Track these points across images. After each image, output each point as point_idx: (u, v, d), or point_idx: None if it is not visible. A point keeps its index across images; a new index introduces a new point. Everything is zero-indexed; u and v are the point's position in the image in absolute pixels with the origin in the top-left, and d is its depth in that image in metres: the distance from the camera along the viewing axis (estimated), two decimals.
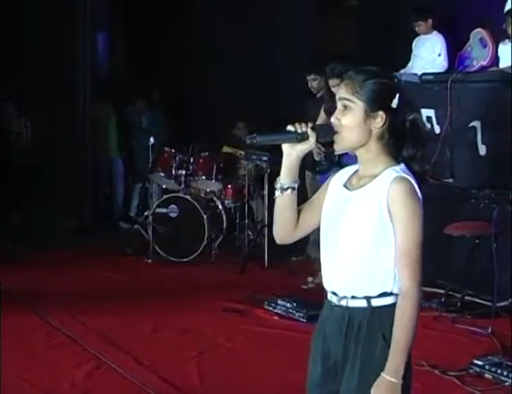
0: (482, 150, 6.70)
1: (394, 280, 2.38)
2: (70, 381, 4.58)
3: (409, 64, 8.07)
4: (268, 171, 7.25)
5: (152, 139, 7.91)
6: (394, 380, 2.28)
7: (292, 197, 2.49)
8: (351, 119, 2.39)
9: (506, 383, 4.53)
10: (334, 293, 2.49)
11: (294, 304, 5.95)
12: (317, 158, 6.51)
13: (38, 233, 8.31)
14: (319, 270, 6.98)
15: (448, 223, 6.26)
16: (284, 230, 2.56)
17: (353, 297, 2.42)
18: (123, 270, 7.37)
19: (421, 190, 2.39)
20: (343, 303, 2.45)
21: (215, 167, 7.79)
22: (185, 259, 7.62)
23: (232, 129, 8.53)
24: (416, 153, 2.41)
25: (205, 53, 9.53)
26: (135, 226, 8.22)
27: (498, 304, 5.96)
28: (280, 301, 6.03)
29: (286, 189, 2.48)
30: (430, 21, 7.87)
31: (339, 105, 2.43)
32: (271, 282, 6.94)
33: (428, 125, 7.07)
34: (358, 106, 2.38)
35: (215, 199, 7.93)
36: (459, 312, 5.97)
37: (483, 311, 5.95)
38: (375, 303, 2.40)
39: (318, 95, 7.37)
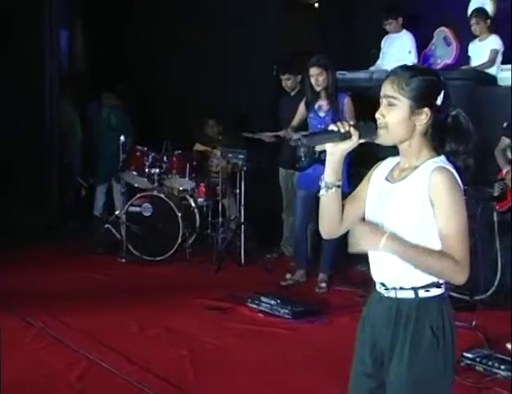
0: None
1: None
2: (66, 381, 4.53)
3: (379, 61, 8.19)
4: (245, 168, 7.25)
5: (122, 138, 7.83)
6: (385, 240, 2.35)
7: (337, 194, 2.53)
8: (396, 116, 2.43)
9: (498, 375, 4.62)
10: (382, 284, 2.53)
11: (279, 301, 5.98)
12: (299, 155, 6.51)
13: (5, 232, 8.15)
14: (298, 267, 7.08)
15: None
16: (331, 225, 2.60)
17: (401, 288, 2.47)
18: (97, 269, 7.29)
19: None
20: (391, 294, 2.50)
21: (188, 165, 7.77)
22: (158, 258, 7.58)
23: (203, 127, 8.50)
24: (458, 148, 2.45)
25: (174, 51, 9.48)
26: (106, 226, 8.13)
27: (478, 297, 6.10)
28: (263, 298, 6.05)
29: (331, 187, 2.51)
30: (400, 20, 8.03)
31: (384, 101, 2.45)
32: (249, 280, 6.96)
33: None
34: (403, 103, 2.43)
35: (188, 197, 7.91)
36: None
37: (463, 305, 6.06)
38: (422, 294, 2.45)
39: (293, 94, 7.42)
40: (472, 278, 6.13)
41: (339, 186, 2.53)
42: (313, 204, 6.64)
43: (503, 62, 7.16)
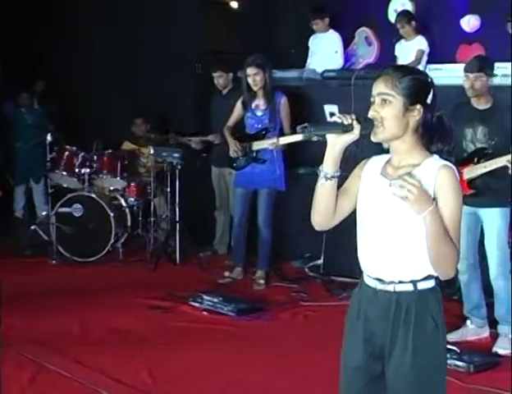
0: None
1: None
2: (19, 386, 4.44)
3: (308, 61, 8.30)
4: (179, 167, 7.25)
5: (49, 137, 7.68)
6: (430, 210, 2.38)
7: (334, 185, 2.60)
8: (391, 111, 2.52)
9: (459, 369, 4.73)
10: (378, 279, 2.59)
11: (221, 298, 6.03)
12: (233, 155, 6.58)
13: None
14: (236, 264, 7.12)
15: None
16: (324, 217, 2.66)
17: (400, 282, 2.55)
18: (28, 272, 7.13)
19: None
20: (389, 288, 2.57)
21: (119, 164, 7.71)
22: (91, 259, 7.49)
23: (130, 126, 8.44)
24: (444, 147, 2.56)
25: (101, 50, 9.37)
26: (32, 227, 7.96)
27: None
28: (205, 297, 6.09)
29: (330, 178, 2.57)
30: (327, 20, 8.17)
31: (377, 99, 2.54)
32: (185, 278, 6.97)
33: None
34: (397, 99, 2.52)
35: (119, 196, 7.84)
36: None
37: None
38: (420, 286, 2.55)
39: (225, 92, 7.45)
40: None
41: (337, 177, 2.59)
42: (250, 202, 6.73)
43: (431, 62, 7.40)
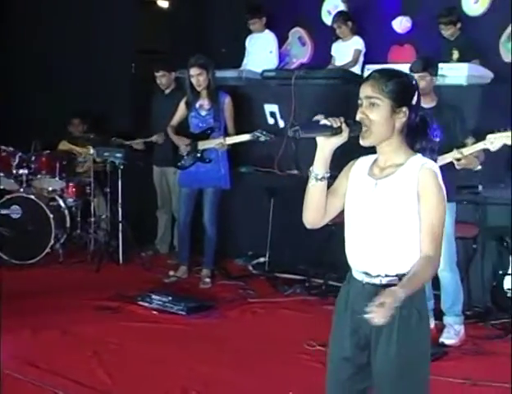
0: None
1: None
2: None
3: (244, 61, 8.39)
4: (122, 167, 7.22)
5: None
6: (401, 293, 2.47)
7: (325, 185, 2.69)
8: (379, 114, 2.61)
9: None
10: (366, 273, 2.69)
11: (170, 298, 6.05)
12: (184, 152, 6.59)
13: None
14: (181, 263, 7.14)
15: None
16: (316, 215, 2.75)
17: (386, 275, 2.66)
18: None
19: None
20: (376, 281, 2.68)
21: (58, 164, 7.62)
22: (30, 261, 7.37)
23: (68, 126, 8.35)
24: (427, 145, 2.68)
25: (37, 50, 9.23)
26: None
27: None
28: (154, 296, 6.10)
29: (321, 178, 2.65)
30: (264, 20, 8.26)
31: (365, 102, 2.63)
32: (129, 278, 6.97)
33: (272, 121, 7.46)
34: (384, 103, 2.61)
35: (57, 197, 7.74)
36: (323, 294, 6.37)
37: None
38: None
39: (167, 91, 7.46)
40: (348, 267, 6.50)
41: (327, 178, 2.67)
42: (195, 201, 6.76)
43: (365, 62, 7.57)
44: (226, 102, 6.60)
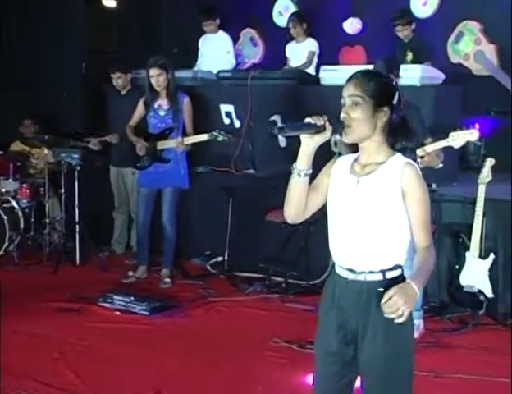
0: (283, 142, 7.28)
1: (403, 253, 2.74)
2: None
3: (198, 61, 8.43)
4: (78, 168, 7.19)
5: None
6: (417, 291, 2.57)
7: (307, 181, 2.78)
8: (362, 113, 2.70)
9: None
10: (350, 270, 2.78)
11: (132, 298, 6.06)
12: (141, 153, 6.61)
13: None
14: (140, 264, 7.14)
15: (263, 211, 6.71)
16: (297, 210, 2.82)
17: (370, 272, 2.75)
18: None
19: None
20: (361, 278, 2.76)
21: (11, 166, 7.55)
22: None
23: (19, 127, 8.27)
24: (408, 145, 2.78)
25: None
26: None
27: (312, 282, 6.57)
28: (116, 297, 6.10)
29: (304, 175, 2.75)
30: (218, 21, 8.31)
31: (348, 101, 2.72)
32: (88, 279, 6.93)
33: (228, 121, 7.52)
34: (366, 102, 2.71)
35: (10, 199, 7.66)
36: (283, 292, 6.46)
37: (302, 290, 6.52)
38: (389, 275, 2.75)
39: (123, 92, 7.45)
40: (307, 265, 6.61)
41: (309, 175, 2.76)
42: (154, 201, 6.78)
43: (320, 63, 7.69)
44: (185, 102, 6.63)
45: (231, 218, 7.04)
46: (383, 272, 2.74)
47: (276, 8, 9.50)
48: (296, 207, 2.82)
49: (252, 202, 7.10)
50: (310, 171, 2.76)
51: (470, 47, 8.10)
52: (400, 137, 2.78)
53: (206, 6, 8.42)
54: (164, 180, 6.62)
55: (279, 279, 6.67)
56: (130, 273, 6.91)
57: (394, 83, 2.83)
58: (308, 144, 2.72)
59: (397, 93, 2.78)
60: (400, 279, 2.73)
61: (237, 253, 7.03)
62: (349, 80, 2.76)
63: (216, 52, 8.26)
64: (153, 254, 7.05)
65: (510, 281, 5.79)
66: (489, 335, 5.55)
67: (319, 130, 2.69)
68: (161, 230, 6.80)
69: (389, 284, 2.67)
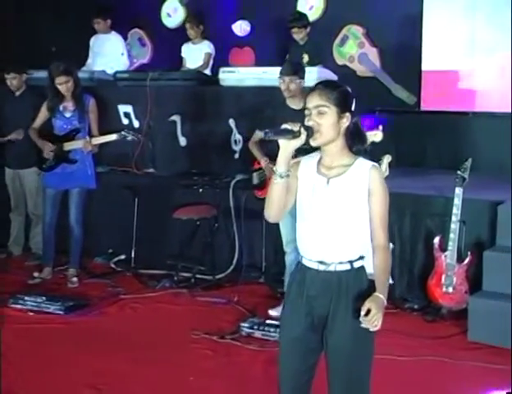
0: (183, 141, 7.48)
1: (367, 245, 3.03)
2: None
3: (89, 61, 8.46)
4: None
5: None
6: (384, 301, 2.91)
7: (286, 182, 3.01)
8: (328, 120, 2.99)
9: (275, 338, 5.29)
10: (320, 262, 3.04)
11: (44, 298, 6.09)
12: (48, 156, 6.61)
13: None
14: (46, 265, 7.13)
15: (167, 209, 6.88)
16: (279, 209, 3.06)
17: (340, 262, 3.03)
18: None
19: None
20: (331, 268, 3.03)
21: None
22: None
23: None
24: (362, 147, 3.08)
25: None
26: None
27: (218, 276, 6.81)
28: (27, 298, 6.11)
29: (283, 176, 2.98)
30: (109, 21, 8.38)
31: (313, 111, 2.99)
32: None
33: (127, 121, 7.63)
34: (331, 110, 2.99)
35: None
36: (192, 287, 6.66)
37: (208, 284, 6.74)
38: (356, 265, 3.05)
39: (18, 93, 7.38)
40: (213, 260, 6.82)
41: (287, 176, 2.99)
42: (60, 202, 6.79)
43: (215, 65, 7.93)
44: (91, 103, 6.68)
45: (137, 217, 7.16)
46: (351, 262, 3.04)
47: (165, 9, 9.66)
48: (278, 207, 3.05)
49: (156, 200, 7.25)
50: (289, 173, 3.00)
51: (354, 49, 8.61)
52: (357, 140, 3.07)
53: (98, 5, 8.45)
54: (71, 180, 6.65)
55: (187, 275, 6.85)
56: (36, 274, 6.89)
57: (351, 92, 3.12)
58: (286, 147, 2.95)
59: (353, 100, 3.07)
60: (364, 268, 3.05)
61: (143, 251, 7.16)
62: (312, 90, 3.02)
63: (109, 53, 8.32)
64: (56, 254, 7.04)
65: (406, 268, 6.26)
66: (389, 318, 5.91)
67: (295, 135, 2.94)
68: (65, 230, 6.82)
69: (356, 273, 3.03)
